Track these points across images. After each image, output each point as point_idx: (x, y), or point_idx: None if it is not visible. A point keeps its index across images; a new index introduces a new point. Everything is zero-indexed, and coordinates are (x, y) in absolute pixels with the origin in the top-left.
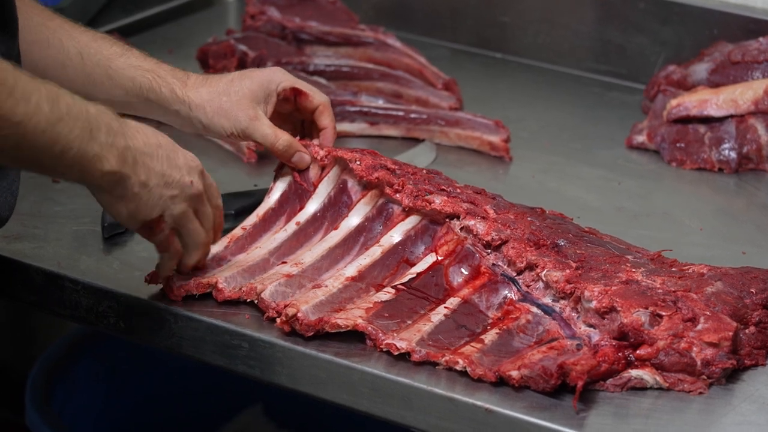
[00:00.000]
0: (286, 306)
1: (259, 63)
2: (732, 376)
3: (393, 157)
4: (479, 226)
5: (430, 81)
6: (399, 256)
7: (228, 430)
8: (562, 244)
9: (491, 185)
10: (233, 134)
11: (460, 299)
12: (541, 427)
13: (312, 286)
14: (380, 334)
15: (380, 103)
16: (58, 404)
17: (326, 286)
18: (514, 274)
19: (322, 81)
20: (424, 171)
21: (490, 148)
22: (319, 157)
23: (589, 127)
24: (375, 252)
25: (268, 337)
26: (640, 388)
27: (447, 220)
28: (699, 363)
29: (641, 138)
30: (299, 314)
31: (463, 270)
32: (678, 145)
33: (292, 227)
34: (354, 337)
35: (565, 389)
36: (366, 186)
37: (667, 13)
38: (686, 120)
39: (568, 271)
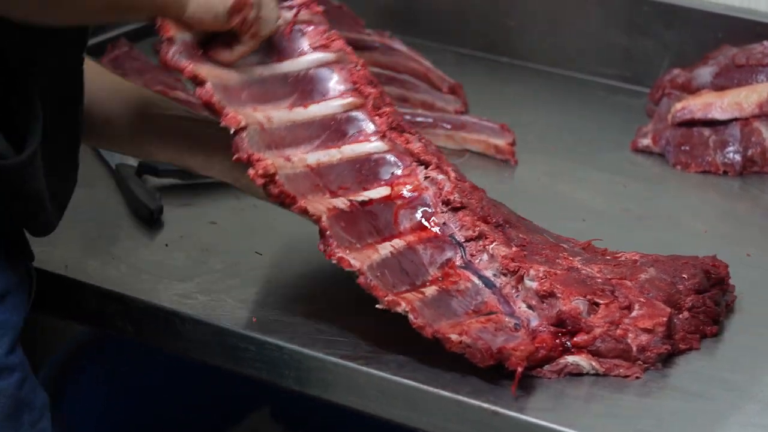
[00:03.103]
0: (259, 160)
1: None
2: (736, 377)
3: None
4: (446, 184)
5: (435, 85)
6: (355, 174)
7: None
8: (506, 225)
9: (497, 188)
10: None
11: (405, 243)
12: (548, 429)
13: (279, 154)
14: (335, 244)
15: None
16: (65, 407)
17: (292, 162)
18: (462, 239)
19: None
20: (406, 115)
21: (496, 152)
22: (324, 35)
23: (593, 131)
24: (334, 154)
25: (275, 339)
26: (578, 374)
27: (414, 163)
28: (635, 349)
29: (646, 141)
30: (277, 177)
31: (414, 216)
32: (683, 148)
33: (265, 71)
34: (360, 339)
35: (570, 387)
36: (350, 90)
37: (672, 16)
38: (691, 123)
39: (515, 248)
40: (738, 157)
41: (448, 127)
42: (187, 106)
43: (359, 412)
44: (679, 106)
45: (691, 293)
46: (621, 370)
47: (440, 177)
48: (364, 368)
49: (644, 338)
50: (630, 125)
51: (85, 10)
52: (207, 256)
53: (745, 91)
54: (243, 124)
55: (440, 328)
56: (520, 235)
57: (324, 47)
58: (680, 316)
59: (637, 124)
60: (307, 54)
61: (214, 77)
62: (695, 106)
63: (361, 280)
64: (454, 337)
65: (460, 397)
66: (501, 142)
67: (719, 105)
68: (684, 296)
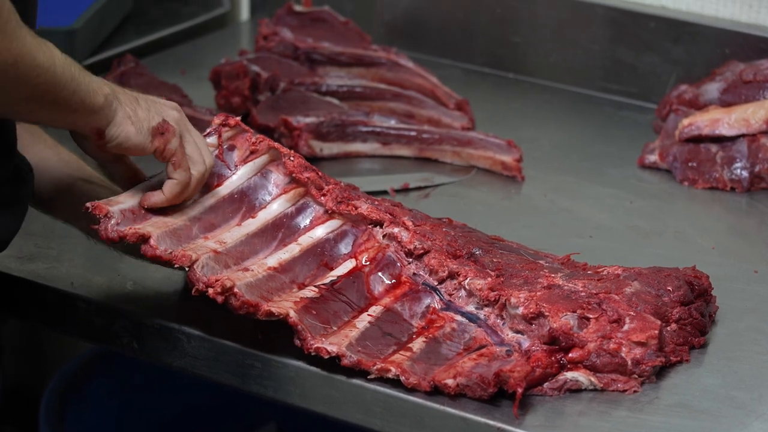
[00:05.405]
0: (217, 280)
1: (272, 83)
2: (742, 394)
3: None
4: (403, 234)
5: (442, 101)
6: (318, 259)
7: None
8: (478, 253)
9: (503, 204)
10: None
11: (382, 307)
12: None
13: (237, 269)
14: (309, 336)
15: (392, 123)
16: (72, 423)
17: (252, 271)
18: (436, 283)
19: (335, 101)
20: (343, 183)
21: (503, 168)
22: (251, 141)
23: (600, 147)
24: (294, 249)
25: (280, 357)
26: (576, 390)
27: (369, 226)
28: (629, 362)
29: (653, 157)
30: (236, 289)
31: (384, 278)
32: (690, 164)
33: (209, 200)
34: None
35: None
36: (291, 183)
37: (679, 32)
38: (698, 139)
39: (490, 279)
40: (745, 174)
41: (455, 143)
42: (194, 121)
43: (365, 429)
44: (686, 122)
45: (677, 305)
46: (618, 385)
47: (396, 230)
48: (370, 385)
49: (638, 352)
50: (637, 141)
51: (9, 100)
52: None
53: (752, 107)
54: (194, 258)
55: (435, 376)
56: (495, 260)
57: (254, 153)
58: (668, 328)
59: (644, 140)
60: (241, 166)
61: (159, 228)
62: (702, 122)
63: (344, 362)
64: (450, 381)
65: (466, 414)
66: (508, 158)
67: (726, 121)
68: (670, 308)
